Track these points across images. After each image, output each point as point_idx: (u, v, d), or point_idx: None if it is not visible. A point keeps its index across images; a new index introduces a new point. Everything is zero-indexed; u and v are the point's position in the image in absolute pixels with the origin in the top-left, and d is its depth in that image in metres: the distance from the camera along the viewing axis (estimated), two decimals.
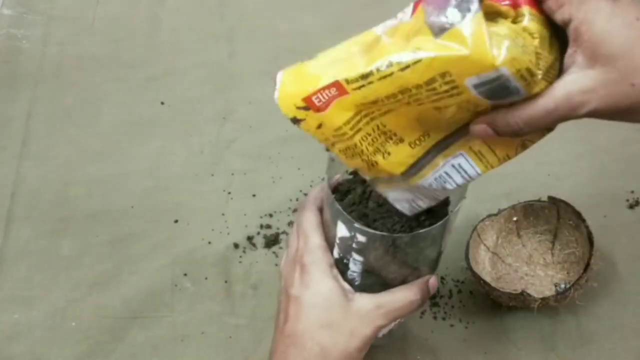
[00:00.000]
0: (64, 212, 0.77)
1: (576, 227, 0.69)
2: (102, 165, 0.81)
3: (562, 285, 0.69)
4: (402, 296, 0.50)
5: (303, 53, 1.00)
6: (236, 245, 0.74)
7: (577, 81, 0.37)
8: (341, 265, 0.51)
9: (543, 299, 0.63)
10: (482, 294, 0.68)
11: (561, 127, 0.87)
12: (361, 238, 0.47)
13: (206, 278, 0.72)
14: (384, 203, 0.51)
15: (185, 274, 0.72)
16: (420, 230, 0.48)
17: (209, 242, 0.75)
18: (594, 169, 0.80)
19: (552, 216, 0.71)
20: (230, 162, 0.81)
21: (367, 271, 0.50)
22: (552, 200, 0.70)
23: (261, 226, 0.75)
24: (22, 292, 0.71)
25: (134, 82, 0.89)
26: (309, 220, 0.51)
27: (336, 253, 0.51)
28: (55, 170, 0.80)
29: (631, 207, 0.76)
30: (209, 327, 0.69)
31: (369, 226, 0.49)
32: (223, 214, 0.77)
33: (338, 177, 0.54)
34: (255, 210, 0.77)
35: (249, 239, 0.75)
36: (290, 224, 0.75)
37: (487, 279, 0.67)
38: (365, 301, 0.49)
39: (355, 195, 0.52)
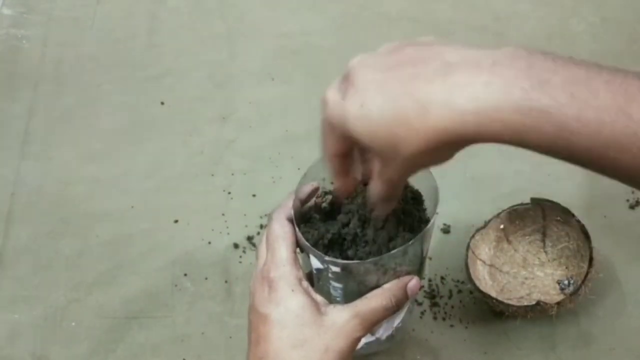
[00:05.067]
0: (64, 212, 0.77)
1: (565, 223, 0.69)
2: (102, 165, 0.81)
3: (566, 282, 0.69)
4: (378, 303, 0.48)
5: (303, 53, 1.01)
6: (236, 245, 0.74)
7: None
8: (323, 292, 0.50)
9: (559, 303, 0.63)
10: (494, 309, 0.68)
11: None
12: (335, 269, 0.47)
13: (206, 278, 0.72)
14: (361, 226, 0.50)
15: (185, 274, 0.72)
16: (391, 252, 0.46)
17: (209, 242, 0.75)
18: None
19: (538, 216, 0.71)
20: (230, 162, 0.81)
21: (349, 294, 0.49)
22: (536, 201, 0.70)
23: (261, 226, 0.75)
24: (22, 292, 0.71)
25: (134, 82, 0.89)
26: (276, 232, 0.49)
27: (316, 281, 0.50)
28: (55, 170, 0.80)
29: (631, 207, 0.76)
30: (209, 327, 0.69)
31: (341, 251, 0.48)
32: (223, 214, 0.77)
33: (312, 183, 0.52)
34: (255, 210, 0.77)
35: (249, 239, 0.75)
36: None
37: (492, 293, 0.66)
38: (340, 313, 0.47)
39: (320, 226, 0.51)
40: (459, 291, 0.71)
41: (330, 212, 0.53)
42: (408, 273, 0.50)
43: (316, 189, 0.52)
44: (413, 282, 0.49)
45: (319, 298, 0.48)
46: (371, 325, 0.48)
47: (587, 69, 0.33)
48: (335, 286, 0.49)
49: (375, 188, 0.43)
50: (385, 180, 0.42)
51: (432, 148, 0.36)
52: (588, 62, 0.33)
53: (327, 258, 0.46)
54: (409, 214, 0.51)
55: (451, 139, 0.35)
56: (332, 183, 0.52)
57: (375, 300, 0.48)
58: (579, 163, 0.34)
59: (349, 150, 0.43)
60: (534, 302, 0.64)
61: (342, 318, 0.46)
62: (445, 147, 0.36)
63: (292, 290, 0.47)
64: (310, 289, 0.48)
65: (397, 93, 0.36)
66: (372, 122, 0.37)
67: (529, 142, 0.34)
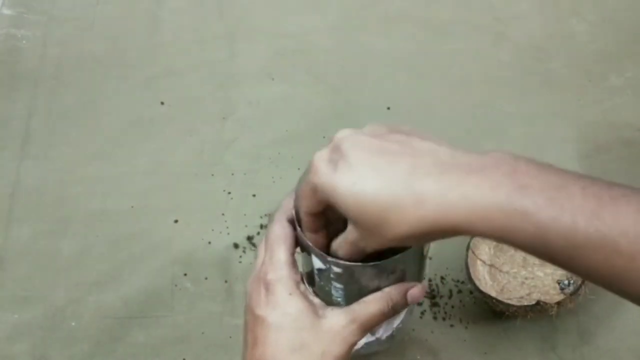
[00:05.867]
0: (64, 212, 0.77)
1: None
2: (102, 165, 0.81)
3: (566, 281, 0.69)
4: (376, 307, 0.48)
5: (303, 53, 1.01)
6: (236, 245, 0.74)
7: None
8: (324, 292, 0.50)
9: (559, 303, 0.63)
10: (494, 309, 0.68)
11: (561, 127, 0.88)
12: (337, 269, 0.47)
13: (206, 278, 0.72)
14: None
15: (185, 274, 0.72)
16: (395, 256, 0.46)
17: (209, 242, 0.75)
18: (595, 169, 0.80)
19: None
20: (230, 162, 0.81)
21: (350, 295, 0.49)
22: None
23: (261, 226, 0.75)
24: (22, 292, 0.71)
25: (134, 82, 0.89)
26: (275, 234, 0.49)
27: (317, 281, 0.50)
28: (55, 170, 0.80)
29: None
30: (209, 327, 0.69)
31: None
32: (223, 214, 0.77)
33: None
34: (255, 210, 0.77)
35: (249, 239, 0.75)
36: None
37: (492, 293, 0.66)
38: (338, 317, 0.47)
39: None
40: (459, 291, 0.71)
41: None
42: (409, 274, 0.50)
43: None
44: (416, 290, 0.49)
45: (316, 301, 0.48)
46: (368, 329, 0.48)
47: (565, 176, 0.36)
48: (337, 287, 0.49)
49: (341, 250, 0.45)
50: (356, 247, 0.43)
51: (418, 234, 0.39)
52: (566, 170, 0.37)
53: (329, 258, 0.46)
54: None
55: (439, 229, 0.38)
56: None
57: (373, 304, 0.48)
58: (557, 262, 0.37)
59: (323, 210, 0.45)
60: (534, 302, 0.64)
61: (339, 323, 0.47)
62: (433, 234, 0.39)
63: (290, 294, 0.47)
64: (307, 292, 0.48)
65: (394, 180, 0.38)
66: (364, 201, 0.39)
67: (511, 239, 0.36)
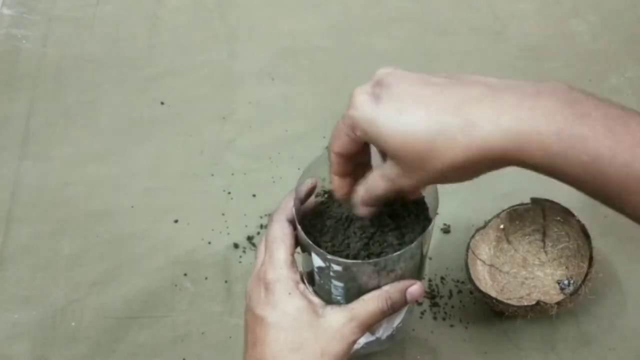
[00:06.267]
0: (64, 212, 0.77)
1: (565, 222, 0.70)
2: (102, 165, 0.81)
3: (566, 282, 0.69)
4: (375, 306, 0.47)
5: (303, 53, 1.01)
6: (236, 245, 0.74)
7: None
8: (324, 291, 0.50)
9: (559, 303, 0.63)
10: (494, 309, 0.68)
11: None
12: (336, 267, 0.47)
13: (206, 278, 0.72)
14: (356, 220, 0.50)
15: (185, 274, 0.72)
16: (394, 254, 0.46)
17: (209, 242, 0.75)
18: None
19: (538, 216, 0.71)
20: (230, 162, 0.81)
21: (350, 293, 0.49)
22: (536, 201, 0.70)
23: (261, 226, 0.75)
24: (22, 292, 0.71)
25: (134, 82, 0.89)
26: (275, 234, 0.49)
27: (317, 280, 0.50)
28: (55, 170, 0.80)
29: None
30: (209, 327, 0.69)
31: (341, 250, 0.48)
32: (223, 214, 0.77)
33: (310, 181, 0.52)
34: (255, 210, 0.77)
35: (249, 239, 0.75)
36: None
37: (492, 293, 0.66)
38: (337, 316, 0.47)
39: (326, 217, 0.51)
40: (459, 291, 0.71)
41: (330, 209, 0.53)
42: (408, 272, 0.50)
43: (314, 187, 0.52)
44: (415, 287, 0.49)
45: (315, 300, 0.48)
46: (367, 328, 0.48)
47: (623, 109, 0.35)
48: (337, 285, 0.49)
49: (375, 187, 0.43)
50: (393, 184, 0.41)
51: (467, 164, 0.37)
52: (626, 107, 0.36)
53: (329, 257, 0.46)
54: (410, 215, 0.51)
55: (490, 156, 0.36)
56: (331, 182, 0.52)
57: (372, 303, 0.48)
58: (604, 195, 0.35)
59: (356, 152, 0.43)
60: (534, 302, 0.64)
61: (338, 322, 0.47)
62: (479, 165, 0.37)
63: (289, 294, 0.47)
64: (307, 291, 0.48)
65: (443, 108, 0.37)
66: (410, 130, 0.37)
67: (561, 168, 0.35)
